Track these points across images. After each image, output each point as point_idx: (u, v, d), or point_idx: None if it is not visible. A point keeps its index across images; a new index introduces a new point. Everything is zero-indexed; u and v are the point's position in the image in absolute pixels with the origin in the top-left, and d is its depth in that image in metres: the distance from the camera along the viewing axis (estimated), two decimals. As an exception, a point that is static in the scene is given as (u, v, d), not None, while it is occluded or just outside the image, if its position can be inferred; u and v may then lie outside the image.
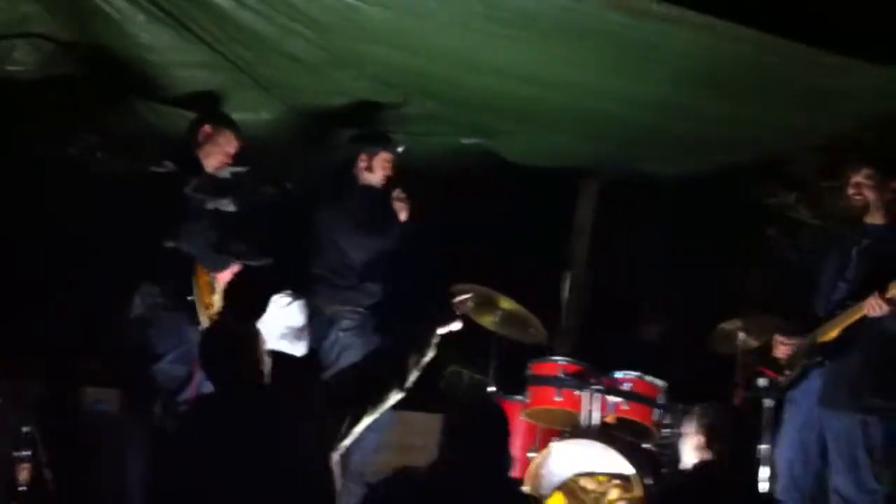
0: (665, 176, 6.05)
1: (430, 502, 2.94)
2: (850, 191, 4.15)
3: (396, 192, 4.98)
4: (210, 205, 4.21)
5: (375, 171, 5.02)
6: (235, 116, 4.82)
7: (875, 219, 4.16)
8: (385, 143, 5.07)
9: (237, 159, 4.57)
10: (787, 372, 4.27)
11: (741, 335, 4.82)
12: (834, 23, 4.25)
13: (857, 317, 3.94)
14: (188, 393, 4.13)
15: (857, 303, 3.94)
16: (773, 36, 3.98)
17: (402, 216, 4.96)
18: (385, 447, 5.02)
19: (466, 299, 4.42)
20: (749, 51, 4.11)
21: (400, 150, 5.06)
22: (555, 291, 6.59)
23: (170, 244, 4.14)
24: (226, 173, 4.37)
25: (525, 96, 4.77)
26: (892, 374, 3.94)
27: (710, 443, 3.53)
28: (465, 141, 5.62)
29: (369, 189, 5.04)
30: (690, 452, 3.60)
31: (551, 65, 4.40)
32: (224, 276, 4.41)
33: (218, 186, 4.29)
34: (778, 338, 4.37)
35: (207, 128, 4.48)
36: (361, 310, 4.94)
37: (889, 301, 3.82)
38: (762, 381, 4.51)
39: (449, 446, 3.03)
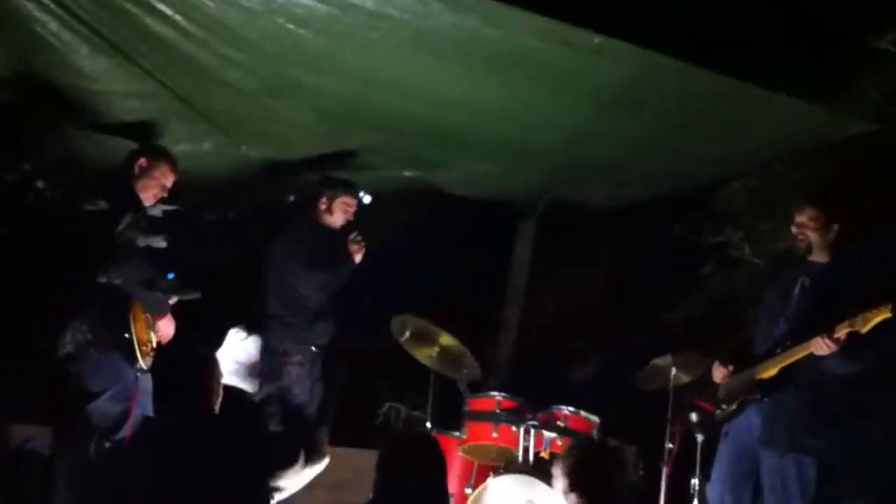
0: (595, 207, 6.12)
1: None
2: (794, 230, 4.16)
3: (353, 236, 5.07)
4: (141, 242, 4.16)
5: (335, 213, 5.11)
6: (176, 147, 4.78)
7: (818, 257, 4.17)
8: (348, 187, 5.16)
9: (174, 191, 4.53)
10: (724, 406, 4.28)
11: (673, 370, 4.95)
12: (756, 54, 4.38)
13: (799, 356, 3.94)
14: (123, 432, 4.04)
15: (798, 341, 3.95)
16: (693, 65, 4.06)
17: (357, 258, 5.05)
18: (317, 484, 4.97)
19: None
20: (670, 80, 4.20)
21: (366, 198, 5.23)
22: (492, 326, 6.64)
23: (102, 280, 4.08)
24: (157, 210, 4.33)
25: (454, 123, 4.82)
26: (826, 414, 3.99)
27: (575, 486, 3.37)
28: (407, 174, 5.65)
29: (325, 229, 5.11)
30: (559, 493, 3.46)
31: (479, 92, 4.47)
32: (164, 324, 4.37)
33: (150, 224, 4.24)
34: (716, 366, 4.39)
35: (143, 160, 4.42)
36: (313, 349, 4.99)
37: (836, 341, 3.83)
38: (694, 416, 4.61)
39: (385, 482, 2.99)
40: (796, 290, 4.16)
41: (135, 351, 4.16)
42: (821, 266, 4.14)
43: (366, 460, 5.65)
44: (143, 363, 4.18)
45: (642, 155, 5.09)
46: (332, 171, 5.27)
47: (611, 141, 4.92)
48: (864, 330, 3.70)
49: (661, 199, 5.63)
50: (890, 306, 3.64)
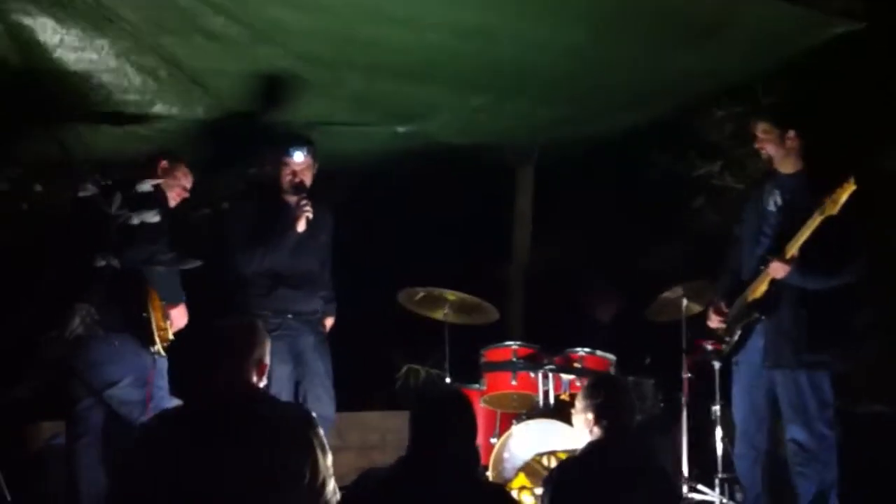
0: (587, 144, 6.07)
1: (405, 498, 2.93)
2: (756, 145, 4.20)
3: (297, 199, 4.71)
4: (135, 220, 4.17)
5: (284, 176, 4.76)
6: (170, 111, 4.78)
7: (785, 168, 4.17)
8: (297, 145, 4.78)
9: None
10: (728, 339, 4.32)
11: (684, 301, 4.99)
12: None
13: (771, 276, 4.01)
14: (144, 416, 4.08)
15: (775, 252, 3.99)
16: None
17: (301, 227, 4.68)
18: (344, 448, 5.04)
19: None
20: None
21: (297, 155, 4.75)
22: (501, 279, 6.68)
23: (101, 263, 4.10)
24: (146, 186, 4.31)
25: (444, 51, 4.62)
26: (827, 327, 4.01)
27: (598, 419, 3.48)
28: (400, 129, 5.54)
29: (270, 197, 4.84)
30: (581, 430, 3.56)
31: (467, 15, 4.28)
32: (177, 315, 4.41)
33: (140, 199, 4.25)
34: (711, 310, 4.43)
35: (164, 162, 4.46)
36: (284, 316, 4.73)
37: (790, 262, 3.89)
38: (709, 345, 4.65)
39: (419, 438, 3.02)
40: (770, 206, 4.19)
41: (152, 333, 4.21)
42: (786, 177, 4.17)
43: (390, 422, 5.80)
44: (159, 347, 4.23)
45: (631, 72, 4.95)
46: (323, 131, 5.13)
47: (600, 60, 4.78)
48: (836, 211, 3.70)
49: (652, 129, 5.60)
50: (852, 179, 3.67)
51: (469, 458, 3.02)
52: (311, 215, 4.65)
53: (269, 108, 4.96)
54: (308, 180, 4.76)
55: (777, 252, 3.96)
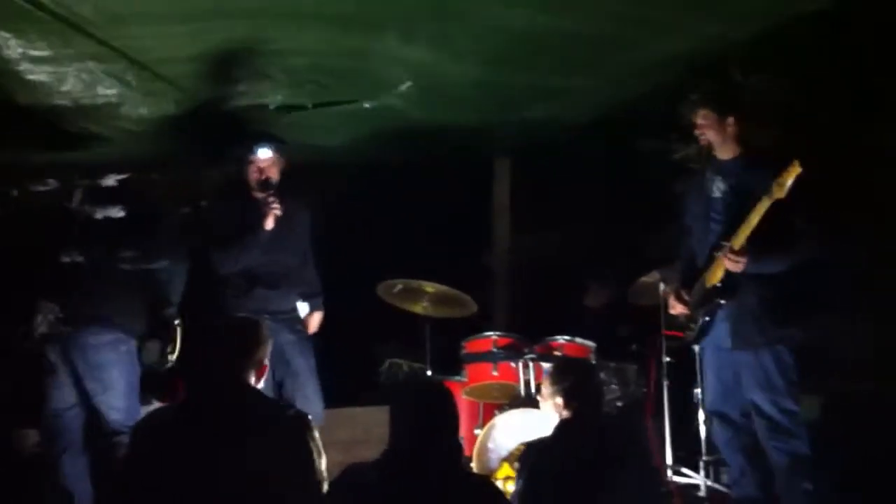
0: (565, 122, 6.00)
1: (391, 492, 2.93)
2: (696, 132, 4.20)
3: (264, 197, 4.69)
4: (99, 214, 4.13)
5: (251, 174, 4.75)
6: (138, 111, 4.70)
7: (723, 154, 4.18)
8: (261, 142, 4.78)
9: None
10: (692, 325, 4.30)
11: (661, 286, 4.99)
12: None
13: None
14: (129, 423, 4.05)
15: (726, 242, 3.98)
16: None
17: (269, 224, 4.66)
18: (329, 445, 5.02)
19: None
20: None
21: (263, 152, 4.74)
22: (482, 269, 6.69)
23: (66, 259, 4.07)
24: (111, 181, 4.28)
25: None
26: (788, 302, 4.04)
27: (567, 403, 3.53)
28: (367, 105, 5.39)
29: (242, 196, 4.81)
30: (550, 416, 3.60)
31: None
32: None
33: (104, 194, 4.21)
34: (671, 298, 4.44)
35: None
36: (262, 316, 4.55)
37: (741, 253, 3.89)
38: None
39: (399, 431, 3.02)
40: (714, 192, 4.20)
41: (175, 339, 4.28)
42: (727, 163, 4.18)
43: (375, 417, 5.79)
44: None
45: (606, 46, 4.77)
46: (292, 121, 5.06)
47: (573, 35, 4.60)
48: (784, 194, 3.70)
49: (631, 113, 5.58)
50: (797, 161, 3.66)
51: (452, 451, 3.02)
52: (278, 212, 4.65)
53: (234, 93, 4.85)
54: (275, 176, 4.75)
55: (727, 242, 3.95)
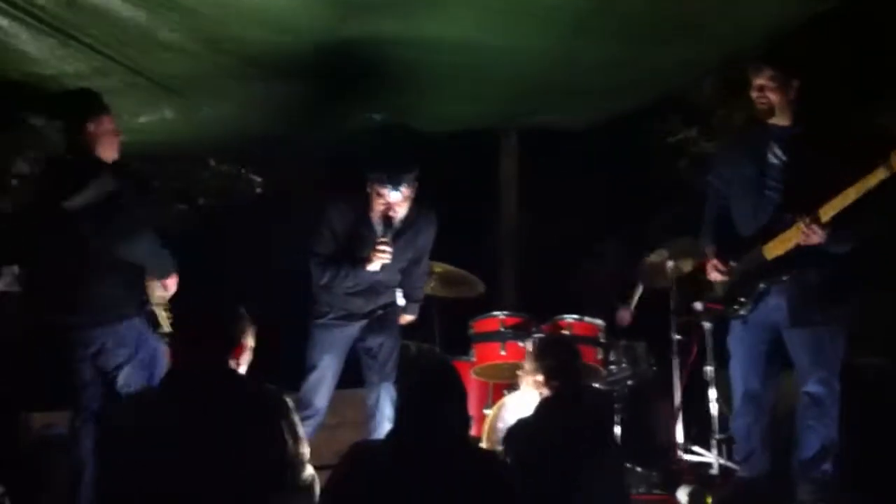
0: (567, 127, 6.04)
1: (394, 473, 2.92)
2: (755, 94, 3.97)
3: (379, 241, 4.41)
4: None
5: (376, 203, 4.41)
6: (138, 120, 4.73)
7: (780, 120, 3.98)
8: (395, 182, 4.35)
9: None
10: (742, 299, 4.10)
11: (670, 264, 4.94)
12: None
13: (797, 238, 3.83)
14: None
15: (797, 213, 3.79)
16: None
17: (373, 267, 4.46)
18: (342, 425, 5.04)
19: None
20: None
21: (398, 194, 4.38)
22: (490, 247, 6.66)
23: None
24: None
25: (414, 61, 4.65)
26: (846, 281, 3.91)
27: (549, 380, 3.54)
28: (375, 116, 5.51)
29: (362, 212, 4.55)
30: (531, 394, 3.60)
31: (434, 26, 4.28)
32: (170, 283, 4.37)
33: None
34: (711, 262, 4.24)
35: (89, 126, 4.16)
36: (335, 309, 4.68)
37: (824, 227, 3.71)
38: (698, 305, 4.60)
39: (407, 410, 3.02)
40: (772, 159, 4.00)
41: (157, 317, 4.20)
42: (787, 129, 3.99)
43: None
44: (165, 327, 4.22)
45: (614, 68, 4.93)
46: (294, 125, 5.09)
47: (579, 60, 4.77)
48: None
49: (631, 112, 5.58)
50: None
51: (459, 426, 3.01)
52: (387, 261, 4.42)
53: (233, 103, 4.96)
54: (404, 211, 4.45)
55: (809, 214, 3.75)
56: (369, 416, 4.70)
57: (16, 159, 5.11)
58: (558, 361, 3.57)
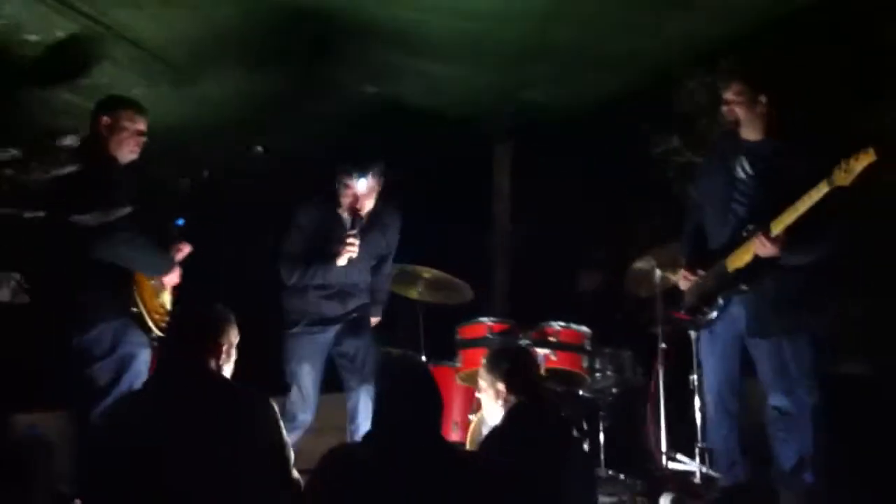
0: (564, 112, 6.00)
1: (373, 474, 2.93)
2: (724, 108, 4.04)
3: (347, 235, 4.53)
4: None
5: (346, 197, 4.58)
6: (134, 92, 4.63)
7: (750, 135, 4.05)
8: (353, 171, 4.54)
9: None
10: (705, 309, 4.20)
11: (658, 273, 4.94)
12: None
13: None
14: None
15: (760, 225, 3.86)
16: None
17: (341, 262, 4.57)
18: (328, 429, 5.03)
19: None
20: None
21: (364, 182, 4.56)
22: (480, 255, 6.67)
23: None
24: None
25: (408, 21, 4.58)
26: (811, 291, 3.95)
27: (510, 387, 3.48)
28: (370, 89, 5.45)
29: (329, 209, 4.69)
30: (492, 405, 3.53)
31: None
32: (169, 279, 4.35)
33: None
34: (682, 273, 4.34)
35: (105, 119, 4.15)
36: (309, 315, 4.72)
37: (774, 241, 3.78)
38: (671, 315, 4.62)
39: (380, 412, 3.03)
40: (739, 173, 4.07)
41: (146, 322, 4.15)
42: (757, 143, 4.05)
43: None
44: (156, 332, 4.16)
45: (603, 35, 4.88)
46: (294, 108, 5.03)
47: (569, 22, 4.71)
48: (849, 182, 3.50)
49: (626, 100, 5.55)
50: (872, 149, 3.46)
51: (435, 427, 3.02)
52: (354, 255, 4.53)
53: (230, 75, 4.89)
54: (371, 204, 4.60)
55: (762, 227, 3.83)
56: (350, 419, 4.70)
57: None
58: (516, 366, 3.52)
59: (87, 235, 3.96)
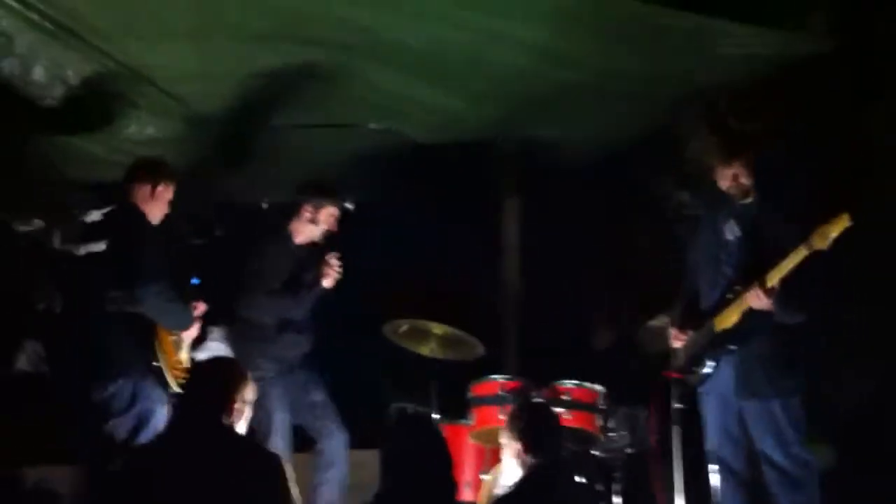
0: (566, 143, 5.97)
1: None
2: (728, 182, 4.07)
3: (329, 256, 4.78)
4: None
5: (319, 224, 4.84)
6: (146, 131, 4.80)
7: (738, 196, 4.12)
8: (333, 196, 4.87)
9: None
10: (695, 369, 4.21)
11: (672, 330, 4.90)
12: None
13: (746, 305, 3.91)
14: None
15: (746, 286, 3.89)
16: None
17: (327, 283, 4.77)
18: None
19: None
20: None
21: (349, 205, 4.91)
22: (491, 309, 6.64)
23: (43, 306, 4.07)
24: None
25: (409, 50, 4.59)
26: (801, 353, 3.96)
27: (527, 446, 3.47)
28: (373, 126, 5.47)
29: (299, 247, 4.88)
30: (511, 463, 3.52)
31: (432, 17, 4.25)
32: (191, 333, 4.36)
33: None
34: (672, 331, 4.38)
35: (144, 189, 4.29)
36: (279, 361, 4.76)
37: (769, 292, 3.79)
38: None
39: (387, 473, 3.02)
40: (728, 235, 4.13)
41: (165, 378, 4.17)
42: (742, 205, 4.11)
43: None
44: (174, 387, 4.18)
45: (603, 78, 4.90)
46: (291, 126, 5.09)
47: (571, 62, 4.75)
48: (826, 246, 3.57)
49: (631, 145, 5.56)
50: (846, 215, 3.53)
51: (442, 490, 2.99)
52: (339, 275, 4.70)
53: (243, 114, 4.94)
54: (335, 229, 4.82)
55: (756, 280, 3.84)
56: (327, 464, 4.70)
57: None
58: (537, 426, 3.52)
59: (121, 287, 3.99)
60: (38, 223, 4.18)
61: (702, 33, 4.29)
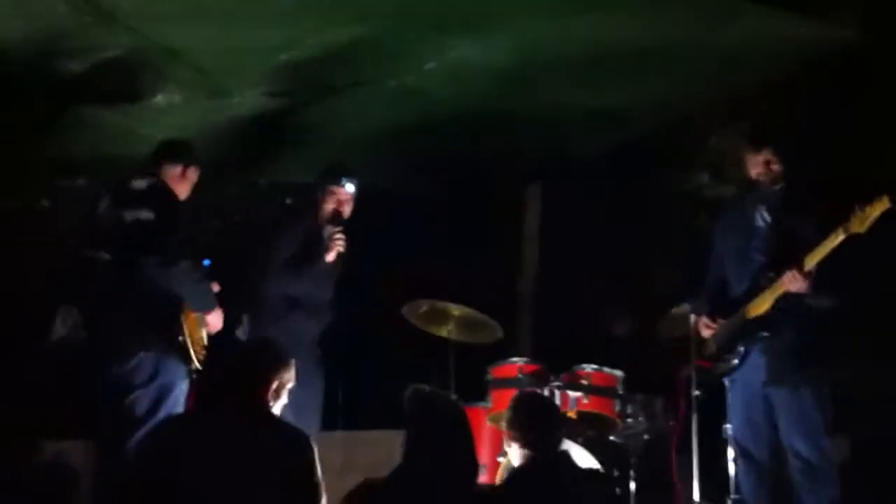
0: (587, 148, 5.99)
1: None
2: (760, 169, 4.09)
3: (332, 231, 4.73)
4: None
5: (335, 204, 4.78)
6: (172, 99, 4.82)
7: (769, 183, 4.13)
8: (351, 177, 4.81)
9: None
10: (726, 356, 4.21)
11: (692, 318, 4.86)
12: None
13: (780, 290, 3.90)
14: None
15: (778, 273, 3.89)
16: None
17: (331, 257, 4.71)
18: (351, 468, 4.98)
19: None
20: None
21: (349, 186, 4.81)
22: (509, 297, 6.64)
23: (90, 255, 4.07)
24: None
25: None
26: (832, 340, 3.95)
27: (520, 440, 3.46)
28: (392, 83, 5.39)
29: (312, 229, 4.83)
30: (514, 452, 3.51)
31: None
32: (213, 317, 4.37)
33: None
34: (702, 322, 4.38)
35: (176, 170, 4.37)
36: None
37: (807, 275, 3.78)
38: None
39: (410, 449, 3.01)
40: (758, 221, 4.12)
41: (189, 353, 4.18)
42: (774, 191, 4.11)
43: (397, 441, 5.73)
44: (196, 363, 4.19)
45: (630, 57, 4.89)
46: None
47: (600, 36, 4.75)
48: (864, 229, 3.55)
49: (652, 140, 5.53)
50: (886, 198, 3.51)
51: (463, 468, 2.98)
52: (342, 249, 4.67)
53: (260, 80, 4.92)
54: (349, 212, 4.80)
55: (792, 264, 3.83)
56: None
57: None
58: (529, 424, 3.48)
59: (152, 265, 4.03)
60: (81, 182, 4.18)
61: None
